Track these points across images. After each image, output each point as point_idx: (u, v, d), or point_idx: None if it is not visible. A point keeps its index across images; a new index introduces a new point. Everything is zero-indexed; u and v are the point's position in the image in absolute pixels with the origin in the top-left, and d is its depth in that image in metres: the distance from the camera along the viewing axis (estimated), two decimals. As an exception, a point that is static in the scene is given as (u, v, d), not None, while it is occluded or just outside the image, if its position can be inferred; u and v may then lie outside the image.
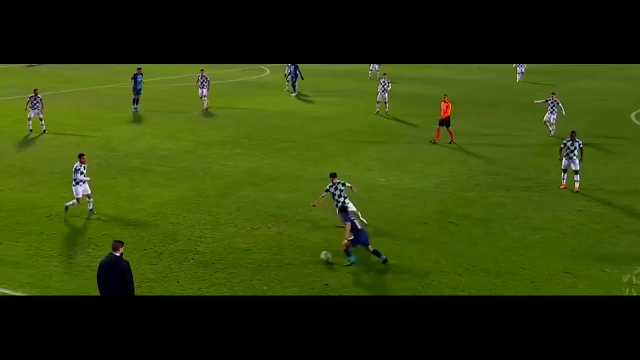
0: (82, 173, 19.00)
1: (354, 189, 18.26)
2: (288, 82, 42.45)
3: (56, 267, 15.84)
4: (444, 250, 17.17)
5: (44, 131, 29.46)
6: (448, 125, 28.77)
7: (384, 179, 23.36)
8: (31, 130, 29.43)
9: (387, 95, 35.23)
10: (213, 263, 16.20)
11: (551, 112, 30.37)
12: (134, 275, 12.00)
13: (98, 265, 12.10)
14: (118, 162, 25.05)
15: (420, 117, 34.76)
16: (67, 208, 19.07)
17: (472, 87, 46.86)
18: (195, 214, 19.57)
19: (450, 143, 28.47)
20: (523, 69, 50.16)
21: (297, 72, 41.86)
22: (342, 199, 17.84)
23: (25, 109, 29.62)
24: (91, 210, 19.21)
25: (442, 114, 28.87)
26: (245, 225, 18.76)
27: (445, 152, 27.41)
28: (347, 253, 16.12)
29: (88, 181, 19.21)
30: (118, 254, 11.90)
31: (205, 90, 36.14)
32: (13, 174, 23.11)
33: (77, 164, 18.97)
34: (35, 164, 24.31)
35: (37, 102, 29.51)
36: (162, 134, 29.93)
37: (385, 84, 35.17)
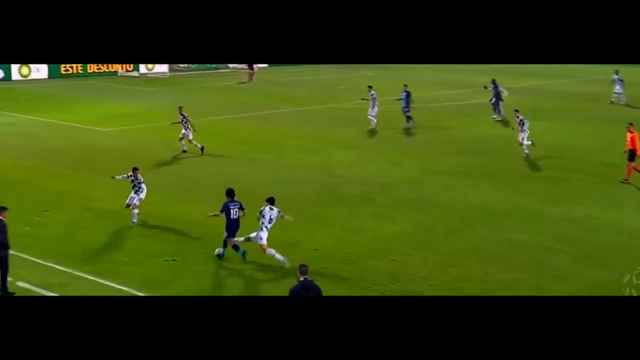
0: (132, 185, 20.89)
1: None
2: (494, 105, 40.46)
3: (270, 299, 16.20)
4: None
5: (183, 151, 30.28)
6: (632, 160, 25.99)
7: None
8: (201, 150, 30.29)
9: (525, 135, 30.50)
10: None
11: None
12: None
13: (291, 293, 12.78)
14: (336, 188, 25.43)
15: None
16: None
17: None
18: (420, 251, 19.23)
19: (623, 181, 25.89)
20: None
21: (498, 92, 39.91)
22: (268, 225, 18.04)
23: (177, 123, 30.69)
24: (133, 222, 20.89)
25: (628, 146, 26.22)
26: (476, 268, 18.10)
27: None
28: (235, 248, 18.14)
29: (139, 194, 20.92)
30: (309, 277, 13.06)
31: (374, 109, 36.04)
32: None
33: (130, 174, 21.01)
34: (251, 186, 25.24)
35: (186, 122, 30.33)
36: (384, 159, 30.05)
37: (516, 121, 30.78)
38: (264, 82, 55.56)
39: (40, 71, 54.92)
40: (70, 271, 17.49)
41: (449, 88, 52.76)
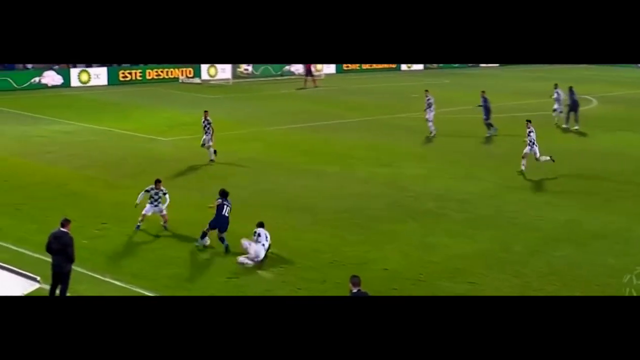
0: (152, 197, 21.68)
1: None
2: (559, 112, 40.34)
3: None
4: None
5: (210, 160, 30.63)
6: None
7: None
8: (211, 160, 30.61)
9: (536, 149, 29.47)
10: (520, 337, 15.34)
11: None
12: None
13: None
14: (409, 203, 25.20)
15: None
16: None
17: None
18: (498, 273, 18.91)
19: None
20: None
21: (575, 100, 39.57)
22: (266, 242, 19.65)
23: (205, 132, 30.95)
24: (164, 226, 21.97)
25: None
26: (562, 292, 17.65)
27: None
28: (203, 235, 20.14)
29: (162, 206, 21.76)
30: (362, 289, 13.39)
31: (431, 114, 36.97)
32: (293, 210, 24.22)
33: (151, 187, 21.76)
34: (317, 200, 25.29)
35: (208, 127, 30.63)
36: (460, 172, 29.68)
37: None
38: (330, 89, 55.68)
39: (99, 78, 56.18)
40: (129, 287, 17.71)
41: (529, 97, 51.90)
